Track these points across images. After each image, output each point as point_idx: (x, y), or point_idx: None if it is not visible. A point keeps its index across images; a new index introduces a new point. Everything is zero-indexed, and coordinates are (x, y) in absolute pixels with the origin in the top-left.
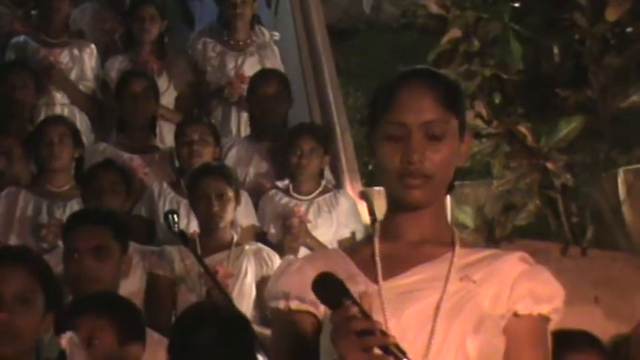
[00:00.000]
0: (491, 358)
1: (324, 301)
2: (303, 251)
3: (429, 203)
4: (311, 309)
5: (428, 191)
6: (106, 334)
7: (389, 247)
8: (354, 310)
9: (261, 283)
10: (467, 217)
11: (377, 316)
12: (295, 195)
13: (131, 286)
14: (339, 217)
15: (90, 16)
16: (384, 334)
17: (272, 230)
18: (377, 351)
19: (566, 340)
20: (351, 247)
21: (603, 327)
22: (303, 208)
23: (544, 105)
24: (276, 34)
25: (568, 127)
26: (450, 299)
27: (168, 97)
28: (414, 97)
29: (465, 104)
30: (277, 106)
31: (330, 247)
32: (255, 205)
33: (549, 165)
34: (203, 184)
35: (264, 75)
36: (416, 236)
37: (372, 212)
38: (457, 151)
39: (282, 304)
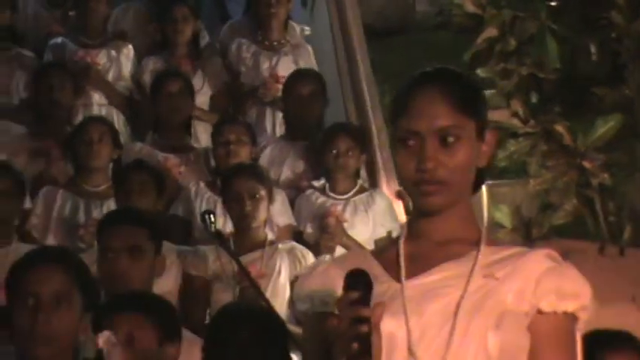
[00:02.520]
0: (514, 355)
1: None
2: (339, 251)
3: (448, 207)
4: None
5: (444, 196)
6: (146, 333)
7: (414, 247)
8: (353, 295)
9: (295, 282)
10: (504, 217)
11: (398, 315)
12: (332, 194)
13: (165, 286)
14: (375, 216)
15: (132, 16)
16: (369, 325)
17: (308, 230)
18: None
19: (604, 340)
20: (379, 248)
21: None
22: (339, 208)
23: (581, 104)
24: (307, 28)
25: (605, 126)
26: (471, 296)
27: (202, 97)
28: (425, 104)
29: (485, 104)
30: (312, 106)
31: (367, 246)
32: (291, 205)
33: (586, 164)
34: (235, 184)
35: (300, 75)
36: (441, 236)
37: (408, 211)
38: (476, 152)
39: (307, 307)
